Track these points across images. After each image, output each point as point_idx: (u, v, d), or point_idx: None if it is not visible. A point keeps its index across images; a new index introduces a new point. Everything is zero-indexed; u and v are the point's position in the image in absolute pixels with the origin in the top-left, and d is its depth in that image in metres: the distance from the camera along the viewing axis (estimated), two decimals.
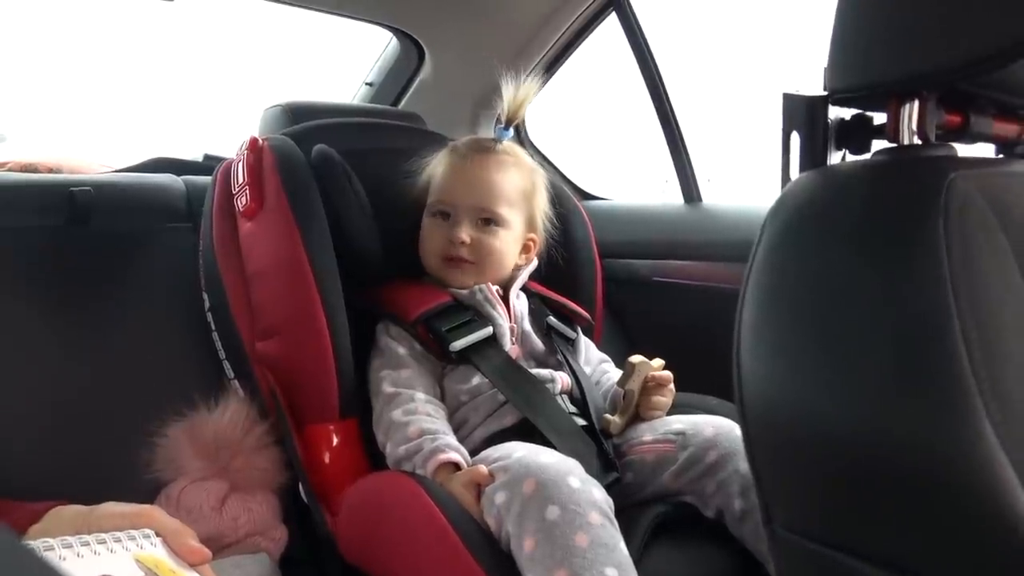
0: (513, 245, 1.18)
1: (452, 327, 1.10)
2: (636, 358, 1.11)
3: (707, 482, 0.97)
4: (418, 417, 1.02)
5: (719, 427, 1.00)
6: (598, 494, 0.86)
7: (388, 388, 1.06)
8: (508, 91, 1.19)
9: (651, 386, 1.11)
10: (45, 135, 1.52)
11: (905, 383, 0.50)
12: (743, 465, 0.94)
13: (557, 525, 0.81)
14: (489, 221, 1.15)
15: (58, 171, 1.37)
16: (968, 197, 0.53)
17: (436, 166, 1.20)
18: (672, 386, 1.13)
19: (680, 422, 1.05)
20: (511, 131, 1.22)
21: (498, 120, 1.23)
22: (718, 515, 0.96)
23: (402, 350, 1.09)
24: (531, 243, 1.22)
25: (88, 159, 1.48)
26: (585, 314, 1.26)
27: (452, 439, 1.01)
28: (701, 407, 1.14)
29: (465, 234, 1.13)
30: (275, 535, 1.08)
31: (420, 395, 1.05)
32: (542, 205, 1.23)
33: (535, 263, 1.24)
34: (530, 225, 1.21)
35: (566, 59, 1.66)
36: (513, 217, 1.17)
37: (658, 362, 1.13)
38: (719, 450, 0.97)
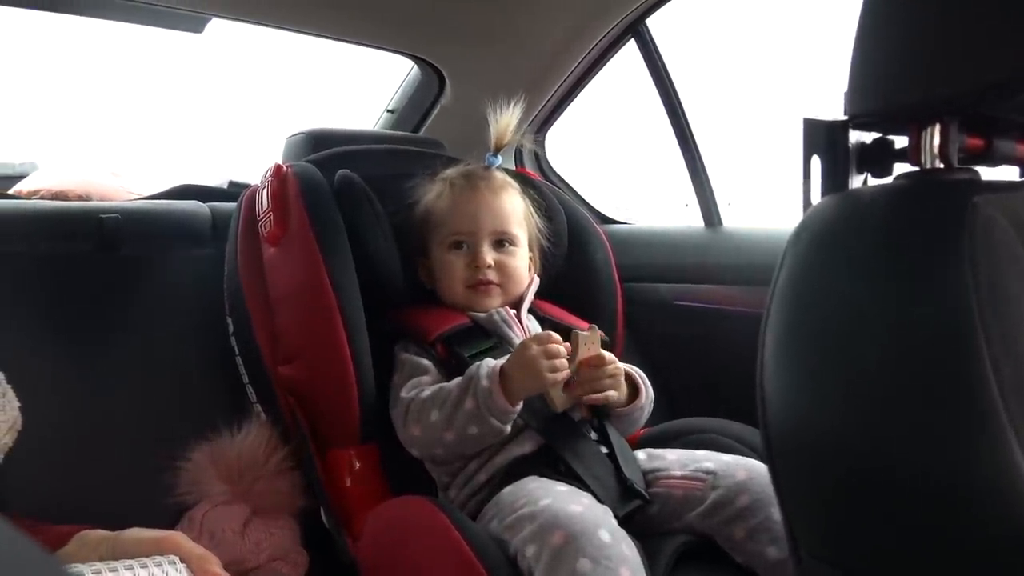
0: (526, 262, 1.21)
1: (474, 352, 1.10)
2: (588, 332, 1.05)
3: (736, 528, 0.92)
4: (447, 385, 1.04)
5: (752, 470, 0.96)
6: (628, 551, 0.84)
7: (408, 393, 1.07)
8: (493, 120, 1.23)
9: (586, 365, 1.05)
10: (75, 164, 1.55)
11: (932, 409, 0.50)
12: (777, 513, 0.91)
13: None
14: (503, 242, 1.18)
15: (87, 199, 1.40)
16: (992, 220, 0.53)
17: (435, 200, 1.21)
18: (614, 379, 1.06)
19: (711, 460, 1.01)
20: (499, 158, 1.26)
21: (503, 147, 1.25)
22: (748, 561, 0.92)
23: (425, 361, 1.10)
24: (531, 262, 1.24)
25: (116, 187, 1.51)
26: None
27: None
28: (724, 432, 1.13)
29: (489, 257, 1.15)
30: (296, 560, 1.08)
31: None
32: (535, 225, 1.25)
33: (537, 282, 1.25)
34: (530, 244, 1.23)
35: (586, 85, 1.68)
36: (522, 236, 1.20)
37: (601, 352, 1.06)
38: (751, 495, 0.92)
